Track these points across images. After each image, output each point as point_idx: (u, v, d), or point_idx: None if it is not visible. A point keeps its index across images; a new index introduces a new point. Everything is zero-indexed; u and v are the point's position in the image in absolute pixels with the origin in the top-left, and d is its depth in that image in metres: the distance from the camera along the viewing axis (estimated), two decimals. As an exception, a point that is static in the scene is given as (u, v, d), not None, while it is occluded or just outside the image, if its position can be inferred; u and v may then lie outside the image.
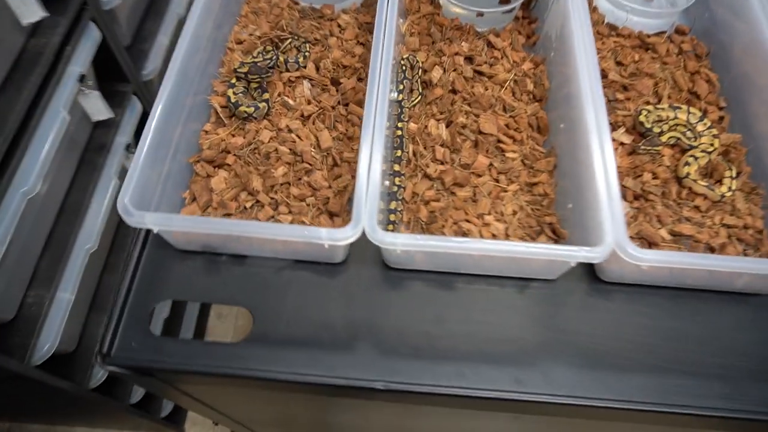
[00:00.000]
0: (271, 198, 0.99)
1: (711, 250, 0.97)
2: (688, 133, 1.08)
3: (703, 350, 0.91)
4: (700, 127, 1.08)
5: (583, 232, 0.91)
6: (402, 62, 1.12)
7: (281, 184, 1.00)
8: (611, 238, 0.81)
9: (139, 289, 0.95)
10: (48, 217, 1.45)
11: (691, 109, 1.09)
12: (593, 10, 1.27)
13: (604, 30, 1.23)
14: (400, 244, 0.82)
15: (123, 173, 1.76)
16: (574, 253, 0.81)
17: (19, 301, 1.37)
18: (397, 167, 0.99)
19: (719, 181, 1.04)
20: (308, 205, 0.99)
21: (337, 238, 0.82)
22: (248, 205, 0.99)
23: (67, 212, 1.49)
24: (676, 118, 1.08)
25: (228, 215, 0.98)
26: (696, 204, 1.01)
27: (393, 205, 0.97)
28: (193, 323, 2.02)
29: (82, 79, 1.41)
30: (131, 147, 1.72)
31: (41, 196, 1.37)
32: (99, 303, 1.65)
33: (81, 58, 1.42)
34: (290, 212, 0.98)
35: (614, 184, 0.87)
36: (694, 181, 1.01)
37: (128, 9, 1.68)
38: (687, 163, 1.03)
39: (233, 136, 1.06)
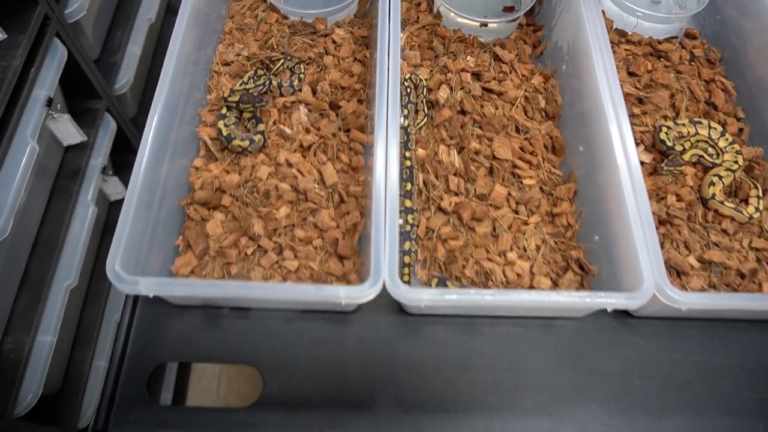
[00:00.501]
0: (275, 242, 0.91)
1: (741, 276, 0.92)
2: (710, 150, 1.03)
3: (740, 385, 0.87)
4: (722, 143, 1.02)
5: (614, 268, 0.85)
6: (405, 82, 1.04)
7: (284, 227, 0.91)
8: (651, 283, 0.76)
9: (133, 353, 0.86)
10: (21, 255, 1.33)
11: (712, 124, 1.04)
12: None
13: (613, 37, 1.17)
14: (426, 300, 0.75)
15: (100, 198, 1.65)
16: (611, 301, 0.76)
17: (-3, 349, 1.26)
18: (408, 203, 0.92)
19: (745, 201, 0.99)
20: (315, 248, 0.91)
21: (356, 297, 0.75)
22: (249, 251, 0.90)
23: (41, 248, 1.37)
24: (697, 133, 1.03)
25: (228, 264, 0.90)
26: (723, 227, 0.96)
27: (407, 245, 0.90)
28: (172, 382, 1.88)
29: (49, 103, 1.28)
30: (107, 169, 1.60)
31: (12, 233, 1.25)
32: (81, 339, 1.55)
33: (47, 80, 1.29)
34: (296, 257, 0.90)
35: (648, 217, 0.81)
36: (721, 202, 0.96)
37: (94, 19, 1.54)
38: (712, 183, 0.98)
39: (227, 172, 0.96)
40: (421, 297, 0.75)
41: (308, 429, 0.82)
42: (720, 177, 0.98)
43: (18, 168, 1.19)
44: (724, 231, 0.96)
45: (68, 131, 1.37)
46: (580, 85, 1.01)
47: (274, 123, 1.01)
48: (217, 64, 1.08)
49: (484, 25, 1.13)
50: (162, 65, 2.02)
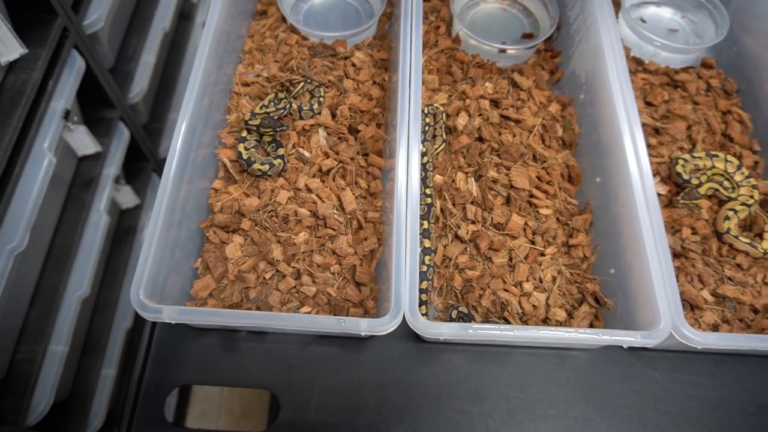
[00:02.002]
0: (293, 267, 0.91)
1: (755, 311, 0.93)
2: (726, 183, 1.03)
3: (753, 422, 0.88)
4: (738, 177, 1.03)
5: (630, 303, 0.86)
6: (424, 111, 1.04)
7: (303, 252, 0.92)
8: (668, 322, 0.77)
9: (151, 376, 0.87)
10: (34, 265, 1.34)
11: (729, 158, 1.04)
12: (618, 42, 1.21)
13: (631, 65, 1.17)
14: (447, 334, 0.76)
15: (112, 207, 1.65)
16: (629, 339, 0.76)
17: (9, 359, 1.26)
18: (427, 243, 0.92)
19: (759, 235, 1.00)
20: (333, 274, 0.92)
21: (377, 330, 0.75)
22: (268, 276, 0.91)
23: (54, 257, 1.39)
24: (713, 167, 1.04)
25: (247, 288, 0.90)
26: (737, 261, 0.96)
27: (424, 284, 0.90)
28: (173, 402, 1.88)
29: (67, 115, 1.29)
30: (120, 178, 1.60)
31: (27, 244, 1.26)
32: (91, 347, 1.56)
33: (65, 92, 1.30)
34: (314, 282, 0.91)
35: (665, 253, 0.82)
36: (736, 237, 0.97)
37: (110, 28, 1.55)
38: (727, 218, 0.98)
39: (247, 195, 0.97)
40: (441, 331, 0.76)
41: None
42: (735, 211, 0.99)
43: (36, 181, 1.20)
44: (738, 266, 0.96)
45: (84, 142, 1.38)
46: (597, 114, 1.02)
47: (294, 146, 1.02)
48: (237, 84, 1.08)
49: (503, 51, 1.14)
50: (174, 72, 2.02)
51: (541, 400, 0.88)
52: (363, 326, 0.75)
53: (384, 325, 0.75)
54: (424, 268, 0.89)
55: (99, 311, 1.60)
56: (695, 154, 1.05)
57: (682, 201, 0.99)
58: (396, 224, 0.82)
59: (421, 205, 0.94)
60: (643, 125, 1.09)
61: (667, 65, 1.18)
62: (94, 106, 1.54)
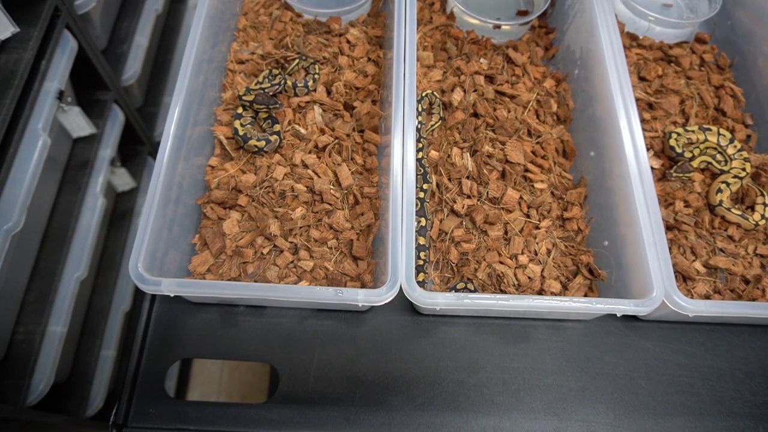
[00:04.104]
0: (290, 242, 0.92)
1: (746, 281, 0.95)
2: (719, 156, 1.04)
3: (742, 388, 0.90)
4: (730, 150, 1.04)
5: (623, 274, 0.87)
6: (422, 96, 1.05)
7: (300, 227, 0.93)
8: (661, 290, 0.78)
9: (151, 350, 0.88)
10: (32, 246, 1.34)
11: (721, 131, 1.05)
12: (613, 18, 1.21)
13: (625, 41, 1.17)
14: (443, 303, 0.77)
15: (109, 192, 1.65)
16: (622, 308, 0.78)
17: (8, 340, 1.27)
18: (422, 240, 0.92)
19: (751, 207, 1.01)
20: (330, 248, 0.92)
21: (374, 300, 0.76)
22: (265, 251, 0.92)
23: (52, 239, 1.39)
24: (706, 140, 1.04)
25: (244, 263, 0.91)
26: (729, 233, 0.98)
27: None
28: (175, 375, 1.90)
29: (60, 95, 1.29)
30: (115, 160, 1.60)
31: (24, 225, 1.26)
32: (90, 329, 1.56)
33: (58, 72, 1.29)
34: (311, 257, 0.92)
35: (658, 225, 0.83)
36: (728, 209, 0.98)
37: (102, 10, 1.53)
38: (719, 190, 0.99)
39: (243, 172, 0.97)
40: (437, 301, 0.77)
41: (322, 426, 0.84)
42: (728, 184, 1.00)
43: (30, 161, 1.20)
44: (730, 237, 0.98)
45: (78, 123, 1.38)
46: (592, 90, 1.02)
47: (289, 123, 1.02)
48: (232, 62, 1.08)
49: (498, 27, 1.14)
50: (168, 55, 2.00)
51: (536, 370, 0.90)
52: (360, 296, 0.76)
53: (381, 296, 0.76)
54: (420, 262, 0.90)
55: (97, 293, 1.61)
56: (688, 128, 1.05)
57: (675, 174, 1.00)
58: (392, 197, 0.83)
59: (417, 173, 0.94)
60: (637, 100, 1.10)
61: (661, 40, 1.18)
62: (88, 87, 1.53)
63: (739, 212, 0.98)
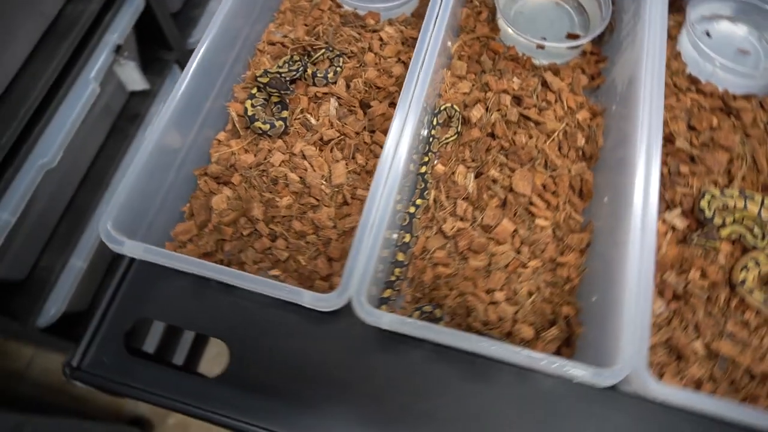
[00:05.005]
0: (271, 229, 0.92)
1: (751, 376, 0.83)
2: (756, 230, 0.92)
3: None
4: (772, 226, 0.92)
5: (601, 337, 0.80)
6: (441, 109, 1.01)
7: (284, 216, 0.93)
8: (627, 364, 0.70)
9: (121, 304, 0.92)
10: (69, 185, 1.44)
11: (767, 201, 0.93)
12: (675, 56, 1.10)
13: (682, 82, 1.06)
14: (386, 323, 0.74)
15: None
16: (577, 373, 0.71)
17: (32, 265, 1.38)
18: (400, 256, 0.89)
19: (781, 295, 0.89)
20: (308, 243, 0.92)
21: (320, 305, 0.75)
22: (246, 232, 0.92)
23: (90, 180, 1.49)
24: (745, 209, 0.93)
25: (222, 240, 0.92)
26: (745, 318, 0.86)
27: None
28: (186, 349, 1.95)
29: (117, 49, 1.37)
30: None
31: (64, 163, 1.36)
32: (116, 268, 1.66)
33: (120, 27, 1.37)
34: (288, 248, 0.92)
35: (647, 294, 0.75)
36: (750, 291, 0.86)
37: (180, -27, 1.61)
38: (746, 268, 0.88)
39: (246, 151, 0.99)
40: (380, 320, 0.74)
41: (258, 415, 0.84)
42: (758, 263, 0.88)
43: (76, 106, 1.28)
44: (745, 323, 0.86)
45: (133, 77, 1.46)
46: (625, 129, 0.93)
47: (302, 111, 1.01)
48: (263, 42, 1.09)
49: (541, 47, 1.06)
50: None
51: (487, 414, 0.84)
52: (306, 299, 0.75)
53: (327, 301, 0.75)
54: (393, 278, 0.87)
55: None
56: (727, 192, 0.94)
57: (697, 240, 0.90)
58: (367, 205, 0.80)
59: (403, 213, 0.91)
60: (678, 150, 0.99)
61: (725, 88, 1.06)
62: (153, 45, 1.62)
63: (763, 298, 0.86)
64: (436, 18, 0.96)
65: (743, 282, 0.87)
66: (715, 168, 0.98)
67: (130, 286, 0.93)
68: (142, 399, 0.87)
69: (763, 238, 0.92)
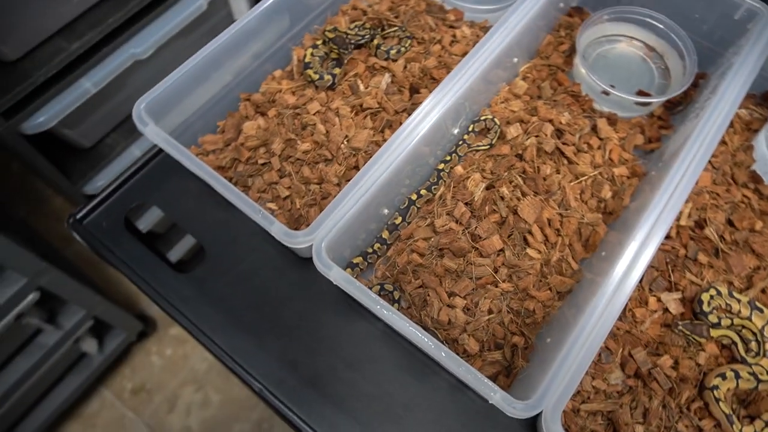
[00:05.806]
0: (282, 166, 0.98)
1: (681, 484, 0.78)
2: (752, 345, 0.85)
3: None
4: (770, 346, 0.84)
5: (537, 374, 0.78)
6: (482, 118, 1.02)
7: (298, 159, 0.98)
8: (540, 402, 0.68)
9: (135, 184, 1.01)
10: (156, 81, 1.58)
11: (775, 320, 0.86)
12: (746, 149, 1.03)
13: (741, 176, 1.00)
14: (334, 276, 0.77)
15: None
16: (491, 393, 0.70)
17: (99, 139, 1.54)
18: (385, 234, 0.92)
19: (750, 418, 0.81)
20: (309, 190, 0.96)
21: (285, 239, 0.80)
22: (261, 161, 0.99)
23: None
24: (748, 319, 0.86)
25: (237, 161, 0.99)
26: (701, 425, 0.80)
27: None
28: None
29: (234, -22, 1.48)
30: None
31: (155, 60, 1.49)
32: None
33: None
34: (290, 188, 0.97)
35: (589, 356, 0.72)
36: (718, 400, 0.80)
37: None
38: (723, 376, 0.82)
39: (292, 93, 1.05)
40: (330, 272, 0.77)
41: (210, 325, 0.89)
42: (738, 376, 0.82)
43: (180, 15, 1.41)
44: (698, 429, 0.80)
45: (240, 9, 1.57)
46: (645, 197, 0.90)
47: (355, 75, 1.06)
48: (348, 5, 1.15)
49: (606, 93, 1.04)
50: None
51: (406, 408, 0.85)
52: (274, 228, 0.80)
53: (291, 238, 0.79)
54: (370, 250, 0.90)
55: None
56: (735, 295, 0.87)
57: (681, 328, 0.84)
58: (362, 172, 0.83)
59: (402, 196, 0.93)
60: (704, 239, 0.94)
61: (786, 196, 0.98)
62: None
63: (728, 411, 0.80)
64: (507, 31, 0.97)
65: (715, 388, 0.81)
66: (736, 269, 0.91)
67: (148, 171, 1.02)
68: (119, 269, 0.95)
69: (756, 355, 0.84)
